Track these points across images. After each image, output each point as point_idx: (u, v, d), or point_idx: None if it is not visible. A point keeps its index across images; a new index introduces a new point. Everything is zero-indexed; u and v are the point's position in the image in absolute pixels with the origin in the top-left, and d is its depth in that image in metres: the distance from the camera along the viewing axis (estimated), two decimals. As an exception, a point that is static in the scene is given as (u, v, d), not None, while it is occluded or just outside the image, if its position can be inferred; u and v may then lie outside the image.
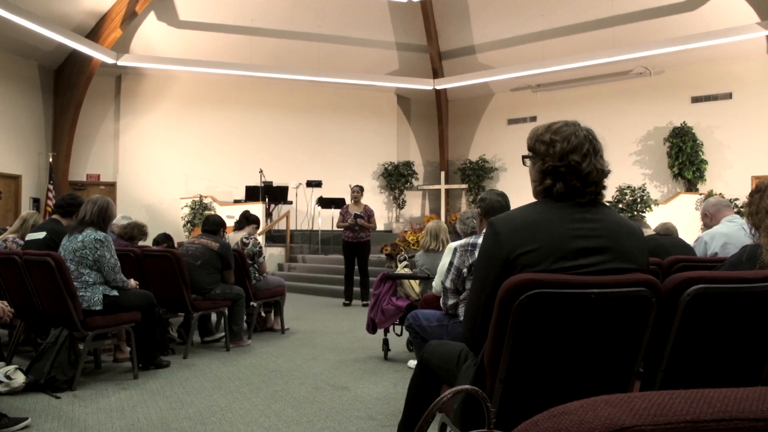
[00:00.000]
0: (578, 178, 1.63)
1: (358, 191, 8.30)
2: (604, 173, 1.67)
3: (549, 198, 1.67)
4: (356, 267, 8.26)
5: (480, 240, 2.61)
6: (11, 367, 3.55)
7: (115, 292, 3.92)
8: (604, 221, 1.64)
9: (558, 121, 1.74)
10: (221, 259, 5.12)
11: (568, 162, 1.63)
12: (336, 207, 11.93)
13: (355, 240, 8.12)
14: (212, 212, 5.40)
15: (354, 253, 8.16)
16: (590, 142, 1.67)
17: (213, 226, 5.39)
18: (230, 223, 11.35)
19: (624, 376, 1.66)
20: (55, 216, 4.53)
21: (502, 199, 3.08)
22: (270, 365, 4.46)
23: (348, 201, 8.47)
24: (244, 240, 5.87)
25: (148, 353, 4.16)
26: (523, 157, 1.79)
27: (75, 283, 3.74)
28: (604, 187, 1.69)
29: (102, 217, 3.97)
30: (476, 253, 2.75)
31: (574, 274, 1.55)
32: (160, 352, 4.47)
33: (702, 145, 11.77)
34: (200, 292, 4.92)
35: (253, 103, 14.09)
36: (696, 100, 12.08)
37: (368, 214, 8.21)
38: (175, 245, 6.65)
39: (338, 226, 8.39)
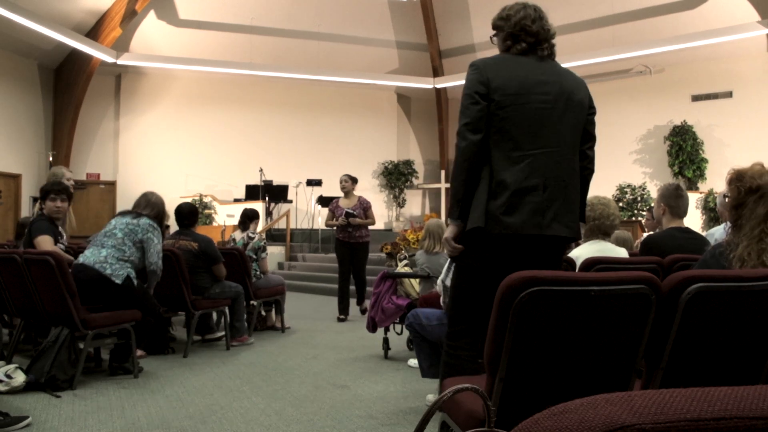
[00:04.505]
0: (531, 36, 2.24)
1: (346, 181, 6.84)
2: (550, 33, 2.28)
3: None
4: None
5: None
6: (11, 366, 3.55)
7: (135, 279, 4.04)
8: (555, 68, 2.28)
9: (509, 4, 2.31)
10: (205, 256, 4.99)
11: (522, 27, 2.23)
12: (336, 206, 11.93)
13: (351, 240, 6.75)
14: (185, 202, 5.10)
15: (349, 255, 6.80)
16: (535, 10, 2.26)
17: (188, 218, 5.16)
18: (231, 222, 11.40)
19: (624, 374, 1.66)
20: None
21: None
22: (270, 364, 4.46)
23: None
24: (250, 234, 5.99)
25: (124, 357, 4.06)
26: (491, 36, 2.39)
27: (112, 251, 3.99)
28: (553, 45, 2.31)
29: (158, 218, 4.31)
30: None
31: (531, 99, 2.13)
32: (154, 351, 4.43)
33: (702, 143, 11.77)
34: (199, 292, 4.90)
35: (253, 102, 14.09)
36: (696, 98, 12.07)
37: (364, 208, 6.76)
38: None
39: (327, 225, 7.18)
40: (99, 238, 4.17)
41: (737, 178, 2.03)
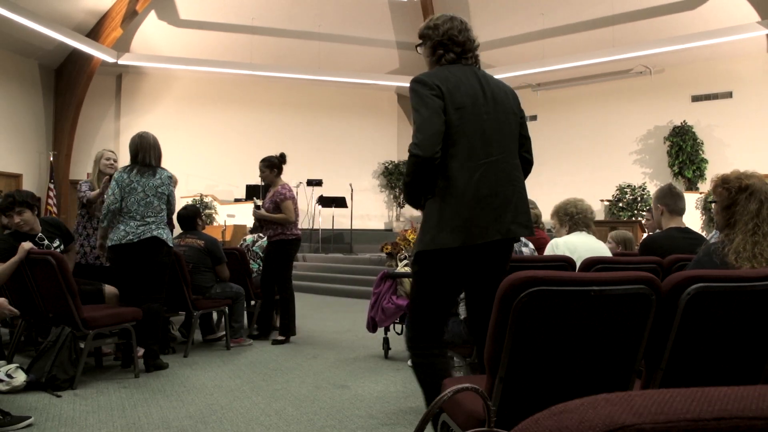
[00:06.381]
0: (458, 46, 2.34)
1: (262, 171, 5.41)
2: (474, 44, 2.40)
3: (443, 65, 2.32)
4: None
5: None
6: (12, 366, 3.56)
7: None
8: (487, 78, 2.37)
9: (436, 15, 2.42)
10: (210, 254, 5.03)
11: (450, 36, 2.34)
12: (336, 206, 11.93)
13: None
14: (190, 204, 5.21)
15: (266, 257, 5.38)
16: (461, 22, 2.37)
17: (190, 220, 5.24)
18: (231, 222, 11.40)
19: (624, 374, 1.66)
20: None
21: None
22: (270, 364, 4.46)
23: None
24: (260, 234, 6.21)
25: (131, 355, 4.08)
26: (416, 46, 2.47)
27: (155, 218, 4.15)
28: (477, 56, 2.43)
29: (159, 158, 4.34)
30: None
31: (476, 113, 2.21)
32: (152, 357, 4.39)
33: (702, 144, 11.77)
34: (200, 292, 4.91)
35: (253, 102, 14.09)
36: (696, 98, 12.07)
37: (274, 201, 5.21)
38: None
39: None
40: (134, 208, 4.08)
41: (724, 182, 2.16)
